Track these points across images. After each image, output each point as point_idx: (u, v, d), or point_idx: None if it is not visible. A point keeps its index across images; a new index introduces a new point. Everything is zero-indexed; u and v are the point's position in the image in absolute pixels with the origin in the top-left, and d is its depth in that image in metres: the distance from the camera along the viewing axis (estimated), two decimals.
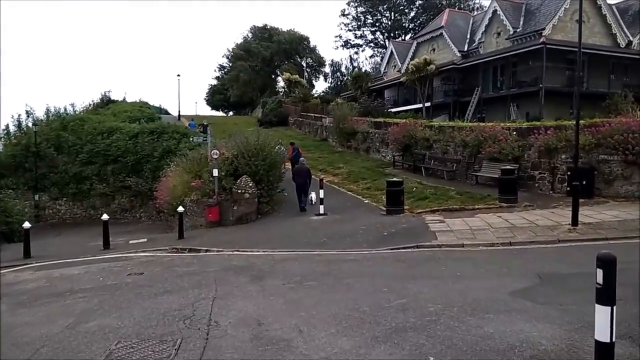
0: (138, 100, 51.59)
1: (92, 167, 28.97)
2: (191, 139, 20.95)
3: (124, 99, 53.32)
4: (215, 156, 16.43)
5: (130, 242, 16.10)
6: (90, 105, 46.00)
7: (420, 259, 9.81)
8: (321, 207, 16.16)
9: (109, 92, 55.26)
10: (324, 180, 17.30)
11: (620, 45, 31.71)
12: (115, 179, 28.89)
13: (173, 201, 17.65)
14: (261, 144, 17.25)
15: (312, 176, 18.28)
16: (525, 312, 6.22)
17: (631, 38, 31.94)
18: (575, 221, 11.86)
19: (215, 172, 16.36)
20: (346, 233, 13.24)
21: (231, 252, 12.25)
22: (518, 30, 32.92)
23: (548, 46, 28.37)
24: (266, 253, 11.73)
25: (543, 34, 30.04)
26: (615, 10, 32.21)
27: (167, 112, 62.35)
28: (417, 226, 13.27)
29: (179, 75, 49.32)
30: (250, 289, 8.02)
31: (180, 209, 15.44)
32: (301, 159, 18.55)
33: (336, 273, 8.84)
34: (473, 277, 8.10)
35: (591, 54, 28.76)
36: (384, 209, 15.63)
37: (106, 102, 52.49)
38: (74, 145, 29.67)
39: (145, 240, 16.31)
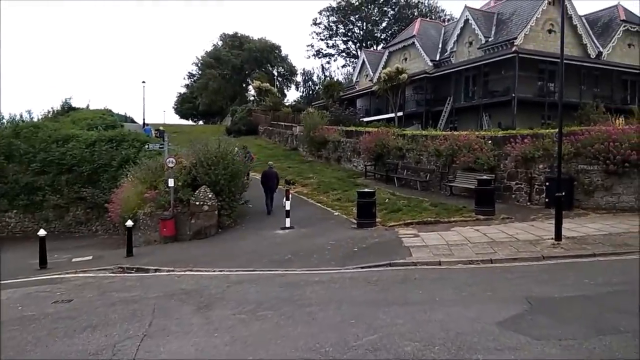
0: (102, 108, 49.51)
1: (45, 177, 26.94)
2: (146, 146, 19.43)
3: (87, 107, 51.15)
4: (171, 165, 15.05)
5: (73, 260, 14.52)
6: (49, 112, 43.76)
7: (394, 280, 8.68)
8: (287, 220, 14.96)
9: (69, 99, 52.90)
10: (290, 192, 16.07)
11: (591, 56, 31.73)
12: (69, 189, 26.92)
13: (125, 214, 16.13)
14: (222, 152, 15.92)
15: (280, 186, 17.92)
16: (520, 349, 5.18)
17: (601, 49, 32.00)
18: (558, 235, 11.00)
19: (171, 182, 14.99)
20: (313, 249, 12.07)
21: (183, 272, 10.93)
22: (490, 39, 32.65)
23: (520, 55, 28.05)
24: (222, 273, 10.46)
25: (515, 43, 29.77)
26: (585, 21, 32.29)
27: (132, 121, 60.18)
28: (389, 241, 12.21)
29: (144, 82, 47.73)
30: (193, 321, 6.73)
31: (129, 223, 13.97)
32: (269, 162, 18.95)
33: (298, 299, 7.63)
34: (454, 303, 7.02)
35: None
36: (355, 221, 14.57)
37: (67, 109, 50.12)
38: (26, 153, 27.60)
39: (90, 258, 14.74)
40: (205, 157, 15.63)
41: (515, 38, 30.10)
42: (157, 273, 11.46)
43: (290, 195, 15.27)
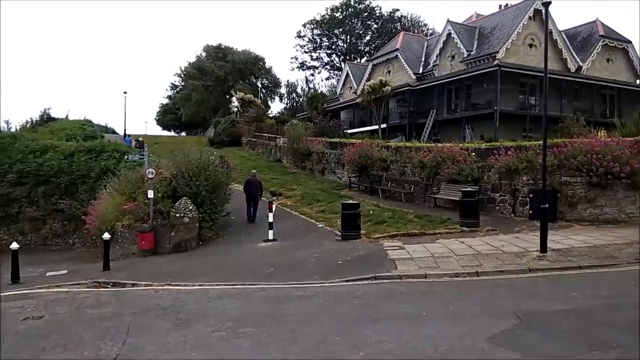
0: (82, 119, 48.80)
1: (21, 189, 26.16)
2: (125, 157, 18.97)
3: (67, 117, 50.35)
4: (150, 176, 14.65)
5: (47, 274, 13.96)
6: (28, 122, 42.89)
7: (379, 295, 8.45)
8: (270, 232, 14.64)
9: (49, 109, 52.23)
10: (274, 203, 15.78)
11: (571, 70, 32.27)
12: (46, 201, 26.18)
13: (103, 226, 15.61)
14: (204, 163, 15.57)
15: (263, 198, 17.91)
16: None
17: (581, 63, 32.59)
18: (544, 247, 10.95)
19: (151, 194, 14.58)
20: (297, 262, 11.79)
21: (161, 287, 10.52)
22: (472, 53, 33.02)
23: (502, 69, 28.36)
24: (202, 288, 10.08)
25: (497, 57, 30.14)
26: (564, 36, 32.88)
27: (113, 131, 59.45)
28: (374, 253, 11.99)
29: (125, 93, 47.02)
30: (169, 339, 6.39)
31: (106, 235, 13.50)
32: (252, 171, 19.30)
33: (280, 315, 7.34)
34: (442, 319, 6.81)
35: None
36: (339, 234, 14.33)
37: (46, 119, 49.27)
38: (2, 164, 26.81)
39: (65, 272, 14.18)
40: (186, 168, 15.25)
41: (497, 52, 30.49)
42: (134, 288, 11.02)
43: (273, 207, 14.97)
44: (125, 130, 48.13)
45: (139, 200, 15.60)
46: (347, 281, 9.81)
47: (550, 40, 31.22)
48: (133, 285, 11.25)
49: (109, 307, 8.80)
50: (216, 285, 10.24)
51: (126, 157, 18.63)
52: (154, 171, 14.79)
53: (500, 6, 37.37)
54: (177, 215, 14.55)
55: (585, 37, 34.63)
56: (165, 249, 14.73)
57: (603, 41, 33.72)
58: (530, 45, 31.88)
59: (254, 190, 17.77)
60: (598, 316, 6.61)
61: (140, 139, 36.61)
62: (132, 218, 15.33)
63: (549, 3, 10.90)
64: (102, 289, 11.26)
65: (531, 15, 31.50)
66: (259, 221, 16.68)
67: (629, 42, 35.20)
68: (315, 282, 9.85)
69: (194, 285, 10.42)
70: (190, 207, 14.71)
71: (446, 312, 7.18)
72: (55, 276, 13.55)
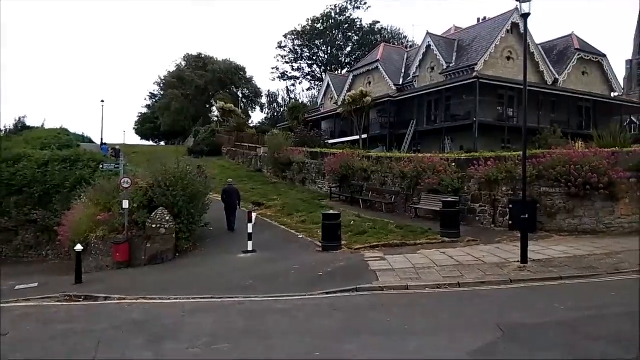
0: (58, 127, 47.81)
1: None
2: (100, 166, 18.48)
3: (42, 126, 49.24)
4: (126, 185, 14.25)
5: (17, 287, 13.40)
6: (1, 131, 41.83)
7: (361, 307, 8.26)
8: (249, 243, 14.35)
9: (24, 117, 51.04)
10: (253, 214, 15.51)
11: (547, 83, 32.85)
12: (19, 211, 25.32)
13: (76, 238, 15.12)
14: (181, 172, 15.21)
15: (243, 209, 17.78)
16: None
17: (557, 76, 33.20)
18: (524, 258, 10.90)
19: (126, 204, 14.17)
20: (276, 274, 11.53)
21: (135, 301, 10.14)
22: (451, 65, 33.38)
23: (481, 81, 28.69)
24: (177, 301, 9.75)
25: (475, 69, 30.51)
26: (541, 49, 33.50)
27: (91, 141, 58.35)
28: (355, 264, 11.80)
29: (102, 102, 46.22)
30: (141, 357, 6.08)
31: (78, 247, 13.03)
32: (229, 180, 19.48)
33: (257, 330, 7.08)
34: (424, 332, 6.65)
35: (521, 89, 29.21)
36: (320, 244, 14.12)
37: (20, 128, 48.08)
38: None
39: (35, 285, 13.64)
40: (163, 177, 14.88)
41: (476, 64, 30.87)
42: (107, 302, 10.62)
43: (253, 218, 14.70)
44: (102, 139, 47.28)
45: (114, 211, 15.18)
46: (327, 293, 9.60)
47: (527, 52, 31.85)
48: (106, 298, 10.85)
49: (79, 323, 8.42)
50: (192, 298, 9.92)
51: (101, 166, 18.14)
52: (129, 181, 14.39)
53: (478, 19, 38.00)
54: (153, 226, 14.16)
55: (562, 51, 35.35)
56: (141, 261, 14.31)
57: (579, 54, 34.46)
58: (508, 58, 32.38)
59: (232, 198, 17.76)
60: (581, 328, 6.53)
61: (117, 147, 35.83)
62: (107, 229, 14.89)
63: (528, 14, 10.98)
64: (73, 303, 10.84)
65: (509, 28, 32.03)
66: (238, 231, 16.38)
67: (604, 55, 36.04)
68: (295, 294, 9.61)
69: (169, 299, 10.07)
70: (167, 218, 14.34)
71: (428, 325, 7.02)
72: (25, 289, 13.00)
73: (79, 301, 11.00)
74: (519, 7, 11.02)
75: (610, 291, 8.51)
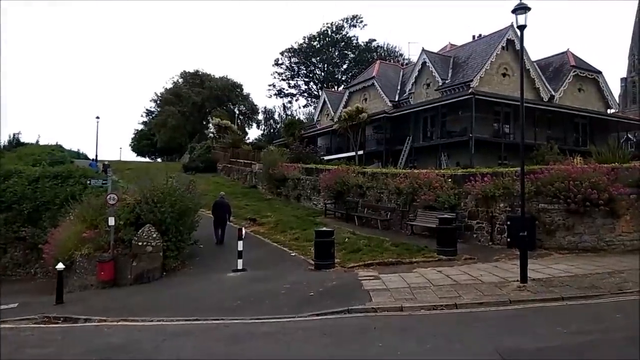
0: (53, 144, 47.55)
1: None
2: (88, 182, 18.05)
3: (37, 142, 48.96)
4: (112, 202, 13.81)
5: None
6: None
7: (352, 331, 7.79)
8: (240, 261, 13.88)
9: (18, 134, 50.68)
10: (244, 230, 15.08)
11: (543, 99, 32.73)
12: (8, 229, 24.75)
13: (60, 256, 14.62)
14: (170, 188, 14.78)
15: (236, 225, 17.53)
16: None
17: (553, 93, 33.09)
18: (524, 278, 10.47)
19: (112, 221, 13.72)
20: (266, 294, 11.06)
21: (115, 323, 9.66)
22: (447, 81, 33.28)
23: (477, 97, 28.51)
24: (160, 324, 9.28)
25: (471, 86, 30.38)
26: (536, 66, 33.45)
27: (86, 157, 58.01)
28: (348, 284, 11.35)
29: (97, 118, 45.69)
30: None
31: (60, 266, 12.52)
32: (221, 193, 19.98)
33: (239, 356, 6.61)
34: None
35: (517, 106, 29.19)
36: (313, 262, 13.68)
37: (15, 144, 47.69)
38: None
39: (15, 305, 13.09)
40: (151, 193, 14.46)
41: (471, 80, 30.75)
42: (87, 324, 10.14)
43: (243, 234, 14.25)
44: (96, 155, 46.85)
45: (101, 228, 14.72)
46: (318, 315, 9.15)
47: (523, 66, 31.82)
48: (86, 320, 10.40)
49: (52, 347, 7.92)
50: (176, 320, 9.44)
51: (88, 182, 17.72)
52: (115, 197, 13.96)
53: (473, 36, 38.07)
54: (140, 243, 13.68)
55: (557, 67, 35.32)
56: (127, 280, 13.80)
57: (574, 71, 34.42)
58: (504, 75, 32.31)
59: (222, 212, 17.90)
60: (587, 354, 6.10)
61: (106, 162, 35.36)
62: (92, 247, 14.41)
63: (524, 26, 10.72)
64: (51, 325, 10.37)
65: (504, 45, 32.01)
66: (228, 249, 15.87)
67: (599, 72, 36.03)
68: (284, 316, 9.15)
69: (152, 321, 9.60)
70: (154, 235, 13.87)
71: (423, 351, 6.57)
72: (4, 310, 12.46)
73: (57, 323, 10.53)
74: (515, 19, 10.75)
75: (615, 313, 8.08)
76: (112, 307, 11.27)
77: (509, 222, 14.73)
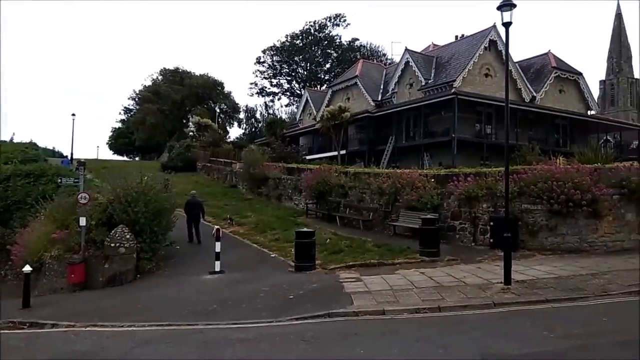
0: (27, 142, 46.15)
1: None
2: (59, 180, 17.36)
3: (11, 140, 47.53)
4: (83, 201, 13.23)
5: None
6: None
7: (332, 337, 7.45)
8: (217, 263, 13.43)
9: None
10: (222, 231, 14.66)
11: (525, 100, 32.88)
12: None
13: (29, 257, 13.97)
14: (145, 187, 14.23)
15: (215, 226, 16.70)
16: None
17: (534, 94, 33.28)
18: (508, 279, 10.29)
19: (83, 221, 13.13)
20: (244, 297, 10.67)
21: (84, 329, 9.17)
22: (430, 81, 33.20)
23: (459, 97, 28.47)
24: (130, 329, 8.81)
25: (454, 86, 30.34)
26: (518, 67, 33.60)
27: (62, 155, 56.63)
28: (329, 286, 11.03)
29: (73, 115, 44.45)
30: None
31: (27, 268, 11.90)
32: (192, 191, 19.78)
33: None
34: None
35: (499, 106, 29.31)
36: (293, 264, 13.32)
37: None
38: None
39: None
40: (124, 192, 13.89)
41: (454, 80, 30.72)
42: (54, 329, 9.60)
43: (220, 235, 13.80)
44: (71, 153, 45.64)
45: (71, 228, 14.10)
46: (297, 319, 8.80)
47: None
48: (53, 325, 9.85)
49: (14, 355, 7.41)
50: (148, 326, 8.99)
51: (59, 180, 17.04)
52: (87, 196, 13.37)
53: (456, 37, 38.14)
54: (112, 245, 13.12)
55: (539, 69, 35.55)
56: (98, 282, 13.22)
57: (555, 72, 34.67)
58: (486, 75, 32.37)
59: (195, 210, 17.64)
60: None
61: (81, 160, 34.34)
62: (62, 248, 13.79)
63: (510, 23, 10.52)
64: (15, 331, 9.78)
65: (487, 45, 32.07)
66: (205, 250, 15.40)
67: (580, 74, 36.38)
68: (262, 321, 8.77)
69: (122, 327, 9.12)
70: (127, 236, 13.31)
71: (406, 358, 6.25)
72: None
73: (23, 328, 9.97)
74: (500, 15, 10.54)
75: (601, 316, 7.89)
76: (81, 312, 10.73)
77: (492, 223, 14.60)
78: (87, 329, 9.20)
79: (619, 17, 78.98)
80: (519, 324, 7.72)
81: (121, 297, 12.00)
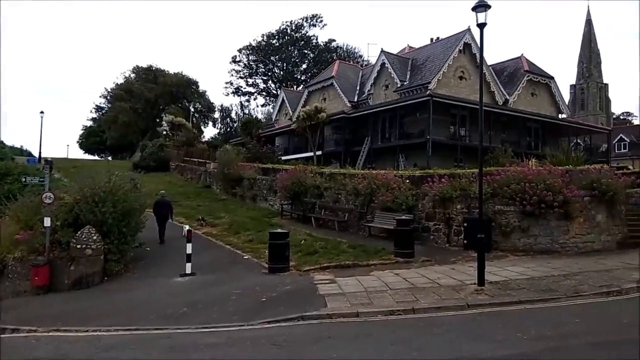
0: None
1: None
2: (23, 179, 16.73)
3: None
4: (48, 201, 12.71)
5: None
6: None
7: (305, 340, 7.28)
8: (188, 265, 13.09)
9: None
10: (193, 232, 14.30)
11: (498, 103, 33.32)
12: None
13: None
14: (113, 187, 13.76)
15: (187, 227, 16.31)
16: None
17: (508, 97, 33.78)
18: (481, 280, 10.29)
19: (47, 222, 12.62)
20: (215, 299, 10.40)
21: (46, 334, 8.80)
22: (405, 83, 33.37)
23: (434, 99, 28.66)
24: (94, 334, 8.48)
25: (429, 88, 30.53)
26: (492, 70, 34.07)
27: (30, 154, 55.08)
28: (303, 288, 10.86)
29: (42, 113, 43.11)
30: None
31: None
32: (161, 191, 19.54)
33: None
34: None
35: (473, 109, 29.65)
36: (267, 266, 13.08)
37: None
38: None
39: None
40: (92, 192, 13.41)
41: (429, 83, 30.93)
42: (14, 334, 9.17)
43: (191, 236, 13.45)
44: (40, 152, 44.27)
45: (36, 229, 13.54)
46: (269, 322, 8.59)
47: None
48: (14, 330, 9.43)
49: None
50: (113, 330, 8.66)
51: (24, 179, 16.42)
52: (52, 195, 12.86)
53: (431, 39, 38.43)
54: (78, 246, 12.63)
55: (512, 72, 36.12)
56: (64, 285, 12.72)
57: (528, 76, 35.28)
58: (461, 78, 32.70)
59: (164, 210, 17.64)
60: None
61: (49, 159, 33.20)
62: (26, 249, 13.23)
63: (485, 24, 10.53)
64: None
65: (461, 48, 32.41)
66: (176, 251, 14.96)
67: (552, 78, 37.11)
68: (233, 324, 8.53)
69: (86, 331, 8.77)
70: (94, 237, 12.84)
71: None
72: None
73: None
74: (475, 16, 10.54)
75: (574, 317, 7.91)
76: (45, 316, 10.33)
77: (465, 224, 14.66)
78: (50, 334, 8.83)
79: (589, 23, 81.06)
80: (492, 326, 7.69)
81: (87, 300, 11.57)
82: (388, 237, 15.54)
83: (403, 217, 14.55)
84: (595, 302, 8.92)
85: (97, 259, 12.88)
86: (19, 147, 62.89)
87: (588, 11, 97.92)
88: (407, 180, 17.35)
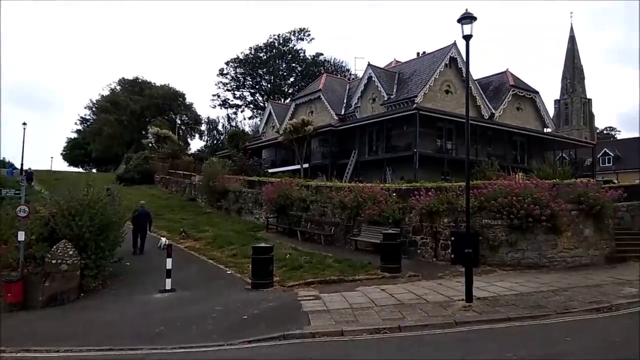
0: None
1: None
2: None
3: None
4: (22, 214, 12.23)
5: None
6: None
7: None
8: (168, 281, 12.67)
9: None
10: (174, 247, 13.91)
11: (484, 117, 33.47)
12: None
13: None
14: (90, 200, 13.31)
15: (169, 241, 16.67)
16: None
17: (493, 111, 33.96)
18: (469, 297, 10.04)
19: (21, 236, 12.12)
20: (194, 318, 9.99)
21: (15, 354, 8.33)
22: (392, 97, 33.39)
23: (421, 112, 28.65)
24: (66, 354, 8.07)
25: (415, 101, 30.57)
26: (478, 85, 34.27)
27: (12, 166, 54.13)
28: (287, 305, 10.51)
29: (24, 124, 42.33)
30: None
31: None
32: (141, 202, 19.52)
33: None
34: None
35: (459, 122, 29.69)
36: (250, 281, 12.71)
37: None
38: None
39: None
40: (68, 205, 12.95)
41: (416, 96, 30.96)
42: None
43: (171, 250, 13.06)
44: (22, 164, 43.37)
45: (10, 244, 13.03)
46: (250, 342, 8.24)
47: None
48: None
49: None
50: (86, 350, 8.24)
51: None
52: (26, 209, 12.37)
53: (418, 53, 38.60)
54: (54, 261, 12.13)
55: (497, 87, 36.38)
56: (38, 302, 12.17)
57: (513, 91, 35.55)
58: (447, 92, 32.82)
59: (144, 220, 17.76)
60: None
61: (29, 170, 32.44)
62: None
63: (470, 36, 10.44)
64: None
65: (447, 62, 32.57)
66: (156, 266, 14.51)
67: (537, 92, 37.46)
68: (211, 345, 8.16)
69: (57, 352, 8.34)
70: (70, 252, 12.35)
71: None
72: None
73: None
74: (461, 28, 10.44)
75: (564, 335, 7.69)
76: (15, 335, 9.79)
77: (453, 238, 14.49)
78: (19, 354, 8.38)
79: (572, 39, 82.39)
80: (481, 345, 7.43)
81: (61, 318, 11.08)
82: (375, 251, 15.28)
83: (390, 231, 14.31)
84: (586, 319, 8.72)
85: (73, 275, 12.37)
86: (0, 159, 61.79)
87: (571, 28, 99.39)
88: (394, 194, 17.16)
